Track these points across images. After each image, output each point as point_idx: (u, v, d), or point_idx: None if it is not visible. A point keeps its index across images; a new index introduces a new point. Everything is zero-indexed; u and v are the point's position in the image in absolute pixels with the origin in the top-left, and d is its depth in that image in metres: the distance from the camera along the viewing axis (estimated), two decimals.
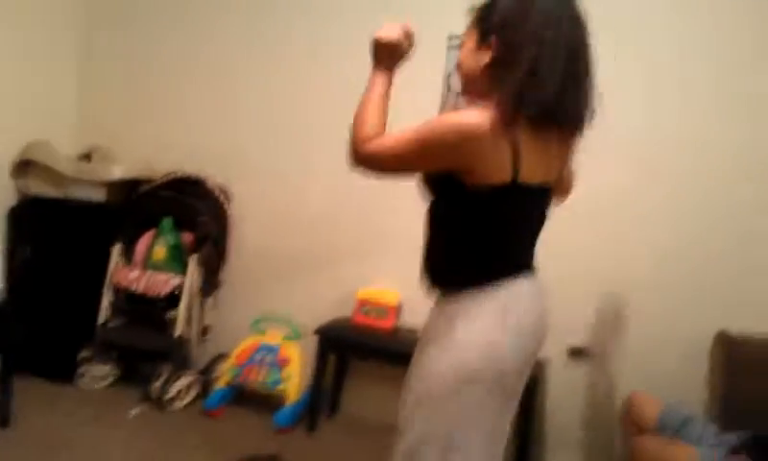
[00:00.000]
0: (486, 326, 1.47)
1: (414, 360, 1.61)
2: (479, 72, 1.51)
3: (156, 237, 3.41)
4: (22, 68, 3.51)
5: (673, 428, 2.32)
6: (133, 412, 3.09)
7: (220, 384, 3.29)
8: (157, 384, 3.18)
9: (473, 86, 1.56)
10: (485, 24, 1.50)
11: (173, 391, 3.18)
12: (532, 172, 1.43)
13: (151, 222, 3.45)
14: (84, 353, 3.37)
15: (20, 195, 3.50)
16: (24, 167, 3.45)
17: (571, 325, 3.03)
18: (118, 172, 3.44)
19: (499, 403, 1.52)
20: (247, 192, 3.54)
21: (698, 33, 2.87)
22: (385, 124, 1.53)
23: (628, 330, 2.96)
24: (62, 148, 3.57)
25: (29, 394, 3.03)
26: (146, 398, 3.20)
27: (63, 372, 3.32)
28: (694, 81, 2.87)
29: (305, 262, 3.47)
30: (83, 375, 3.35)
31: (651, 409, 2.39)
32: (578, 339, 3.03)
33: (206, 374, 3.39)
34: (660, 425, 2.34)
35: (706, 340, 2.79)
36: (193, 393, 3.29)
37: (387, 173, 1.53)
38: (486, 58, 1.49)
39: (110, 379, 3.40)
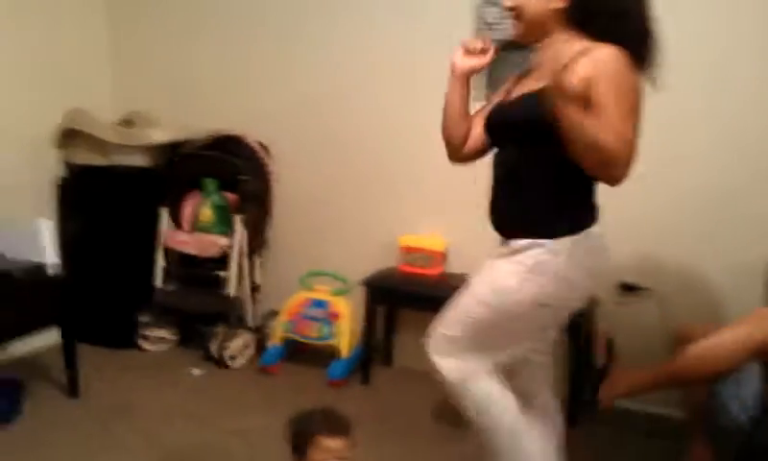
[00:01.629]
0: (569, 263, 1.63)
1: (481, 279, 1.75)
2: (547, 16, 1.58)
3: (201, 199, 3.45)
4: (53, 38, 3.51)
5: None
6: (194, 372, 3.20)
7: (274, 341, 3.35)
8: (215, 344, 3.27)
9: (536, 29, 1.63)
10: None
11: (230, 350, 3.27)
12: None
13: (195, 183, 3.48)
14: (142, 318, 3.47)
15: (66, 166, 3.56)
16: (68, 137, 3.49)
17: (622, 261, 2.97)
18: (160, 135, 3.45)
19: (553, 329, 1.81)
20: (286, 148, 3.52)
21: None
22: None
23: (679, 263, 2.89)
24: (102, 115, 3.59)
25: (93, 363, 3.14)
26: (205, 358, 3.30)
27: (124, 339, 3.44)
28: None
29: (348, 215, 3.46)
30: (143, 339, 3.46)
31: (704, 333, 2.33)
32: (630, 275, 2.98)
33: (260, 331, 3.46)
34: None
35: (759, 267, 2.70)
36: (249, 351, 3.37)
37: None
38: (557, 3, 1.57)
39: (170, 342, 3.51)
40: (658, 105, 2.78)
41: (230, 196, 3.45)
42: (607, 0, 1.55)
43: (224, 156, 3.44)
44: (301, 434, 1.78)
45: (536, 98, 1.56)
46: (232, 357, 3.28)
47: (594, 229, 1.69)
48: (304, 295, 3.33)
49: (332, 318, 3.22)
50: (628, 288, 2.99)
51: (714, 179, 2.82)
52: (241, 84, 3.60)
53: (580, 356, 2.87)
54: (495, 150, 1.83)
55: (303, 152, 3.51)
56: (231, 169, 3.40)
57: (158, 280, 3.46)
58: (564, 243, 1.62)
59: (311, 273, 3.41)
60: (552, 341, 1.90)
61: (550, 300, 1.65)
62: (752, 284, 2.65)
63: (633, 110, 1.51)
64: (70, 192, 3.53)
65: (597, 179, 1.58)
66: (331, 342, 3.21)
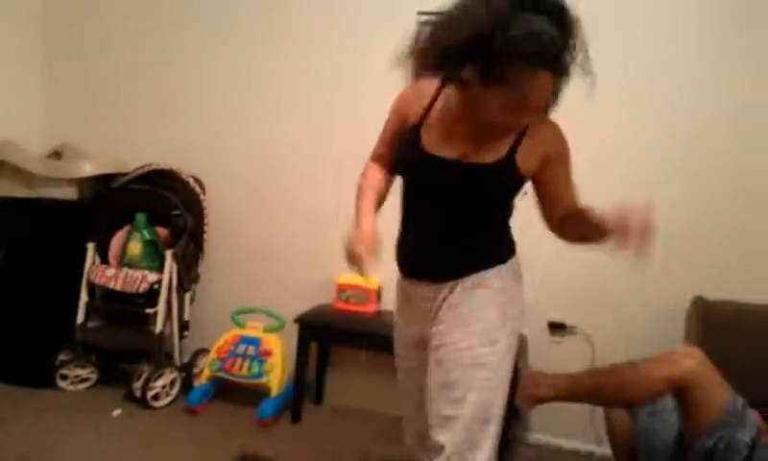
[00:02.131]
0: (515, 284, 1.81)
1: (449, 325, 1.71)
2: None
3: (130, 233, 3.36)
4: None
5: None
6: (116, 413, 3.06)
7: (202, 380, 3.26)
8: (139, 383, 3.14)
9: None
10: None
11: (155, 389, 3.15)
12: None
13: (125, 218, 3.40)
14: (62, 356, 3.31)
15: None
16: None
17: (550, 300, 3.05)
18: (89, 168, 3.37)
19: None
20: (221, 183, 3.49)
21: None
22: None
23: (605, 301, 2.99)
24: (30, 147, 3.49)
25: (8, 401, 2.99)
26: (128, 397, 3.17)
27: (42, 377, 3.26)
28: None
29: (283, 252, 3.44)
30: (62, 378, 3.30)
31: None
32: (557, 314, 3.05)
33: (188, 369, 3.35)
34: None
35: (683, 306, 2.81)
36: (175, 390, 3.25)
37: None
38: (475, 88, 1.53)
39: (91, 381, 3.35)
40: (584, 144, 2.96)
41: (162, 231, 3.38)
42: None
43: (156, 189, 3.39)
44: None
45: (504, 168, 1.62)
46: (156, 397, 3.15)
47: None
48: (235, 332, 3.26)
49: (263, 356, 3.16)
50: (556, 326, 3.05)
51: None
52: (176, 118, 3.57)
53: (511, 395, 2.88)
54: (414, 194, 1.77)
55: (239, 187, 3.49)
56: (164, 203, 3.35)
57: (80, 316, 3.32)
58: (514, 264, 1.79)
59: (243, 310, 3.35)
60: None
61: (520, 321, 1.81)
62: (675, 323, 2.78)
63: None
64: None
65: None
66: (262, 380, 3.14)
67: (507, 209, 1.76)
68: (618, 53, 2.84)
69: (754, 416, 1.94)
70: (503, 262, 1.75)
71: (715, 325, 2.70)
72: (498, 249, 1.77)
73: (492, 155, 1.61)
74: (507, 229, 1.79)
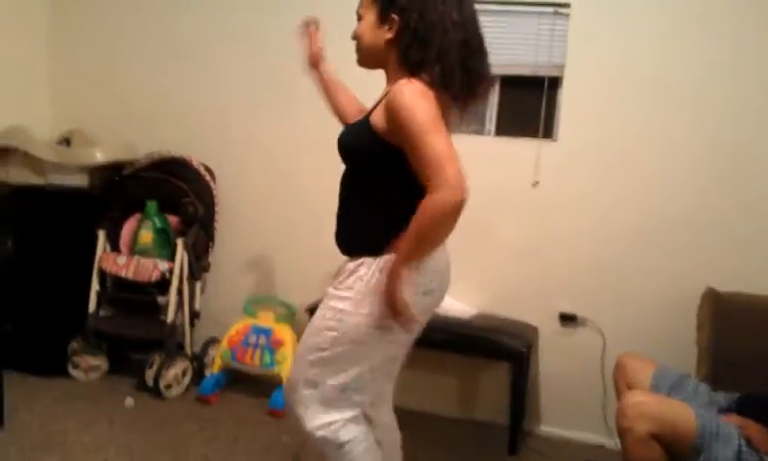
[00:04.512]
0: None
1: (319, 312, 1.73)
2: (381, 46, 1.66)
3: (141, 221, 3.36)
4: None
5: (667, 387, 2.32)
6: (128, 402, 3.07)
7: (213, 369, 3.27)
8: (151, 372, 3.16)
9: (372, 58, 1.72)
10: (386, 2, 1.63)
11: (167, 378, 3.16)
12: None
13: (136, 205, 3.39)
14: (74, 345, 3.33)
15: (0, 185, 3.42)
16: (3, 155, 3.36)
17: (561, 291, 3.05)
18: (100, 155, 3.36)
19: (399, 353, 1.77)
20: (232, 171, 3.48)
21: None
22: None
23: (617, 293, 2.98)
24: (40, 134, 3.48)
25: (20, 390, 2.99)
26: (140, 386, 3.18)
27: (54, 366, 3.28)
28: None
29: (293, 241, 3.43)
30: (74, 367, 3.32)
31: (643, 369, 2.39)
32: (569, 305, 3.05)
33: (199, 359, 3.36)
34: (652, 384, 2.34)
35: (694, 298, 2.81)
36: (187, 379, 3.27)
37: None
38: (389, 34, 1.64)
39: (102, 370, 3.37)
40: (591, 146, 2.97)
41: (173, 219, 3.37)
42: (417, 31, 1.58)
43: (167, 177, 3.38)
44: None
45: (361, 126, 1.66)
46: (168, 386, 3.16)
47: None
48: (247, 322, 3.26)
49: (275, 345, 3.16)
50: (567, 318, 3.05)
51: (651, 210, 2.93)
52: (187, 105, 3.55)
53: (523, 386, 2.90)
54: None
55: (249, 175, 3.48)
56: (175, 191, 3.34)
57: (92, 305, 3.33)
58: (388, 260, 1.59)
59: (254, 299, 3.35)
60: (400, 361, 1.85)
61: (385, 320, 1.61)
62: (687, 315, 2.77)
63: (437, 131, 1.49)
64: (3, 212, 3.37)
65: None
66: (273, 370, 3.14)
67: (384, 182, 1.64)
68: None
69: (729, 425, 1.97)
70: (377, 253, 1.63)
71: (727, 316, 2.69)
72: (374, 234, 1.64)
73: (361, 116, 1.72)
74: (392, 212, 1.62)
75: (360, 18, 1.73)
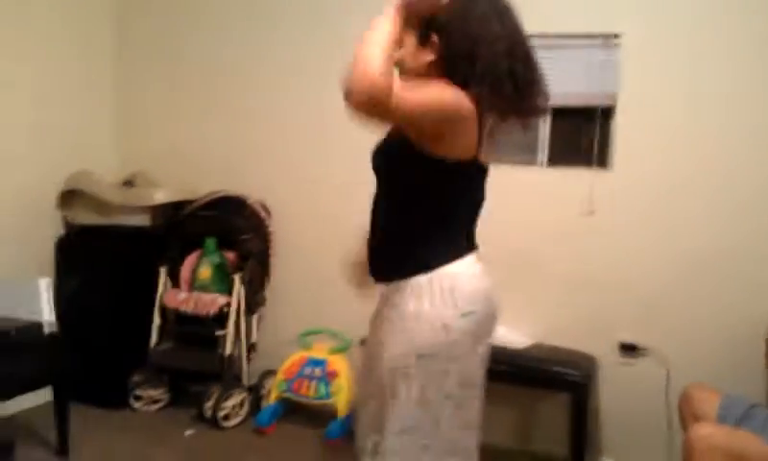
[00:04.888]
0: (436, 307, 1.51)
1: (367, 359, 1.68)
2: (424, 69, 1.56)
3: (200, 258, 3.46)
4: (61, 100, 3.60)
5: (735, 418, 2.24)
6: (188, 433, 3.13)
7: (270, 400, 3.31)
8: (209, 404, 3.21)
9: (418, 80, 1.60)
10: (424, 24, 1.55)
11: (225, 410, 3.21)
12: (486, 154, 1.55)
13: (195, 243, 3.50)
14: (136, 378, 3.42)
15: (67, 225, 3.59)
16: (69, 197, 3.54)
17: (621, 321, 2.99)
18: (161, 196, 3.50)
19: (458, 389, 1.55)
20: (287, 207, 3.56)
21: None
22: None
23: (680, 322, 2.91)
24: (105, 176, 3.64)
25: (84, 423, 3.07)
26: (199, 418, 3.23)
27: (117, 398, 3.37)
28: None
29: (346, 274, 3.46)
30: (136, 399, 3.40)
31: (710, 400, 2.32)
32: (629, 334, 2.98)
33: (256, 390, 3.41)
34: (720, 416, 2.27)
35: (761, 325, 2.71)
36: (244, 410, 3.31)
37: (388, 122, 1.53)
38: (429, 56, 1.55)
39: (164, 402, 3.45)
40: (647, 174, 2.93)
41: (230, 254, 3.47)
42: (462, 47, 1.50)
43: (224, 215, 3.49)
44: None
45: (387, 144, 1.64)
46: (226, 417, 3.22)
47: (460, 266, 1.56)
48: (302, 353, 3.30)
49: (330, 377, 3.19)
50: (628, 348, 2.99)
51: (712, 239, 2.87)
52: (244, 146, 3.68)
53: (583, 417, 2.83)
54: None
55: (303, 211, 3.56)
56: (232, 229, 3.44)
57: (154, 339, 3.43)
58: (418, 281, 1.52)
59: (309, 331, 3.39)
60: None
61: (427, 349, 1.51)
62: (753, 345, 2.68)
63: (435, 111, 1.44)
64: (70, 251, 3.53)
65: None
66: (329, 401, 3.16)
67: (422, 196, 1.56)
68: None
69: None
70: (420, 271, 1.54)
71: None
72: (420, 252, 1.56)
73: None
74: (431, 230, 1.56)
75: (399, 43, 1.63)
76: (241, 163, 3.67)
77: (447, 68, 1.53)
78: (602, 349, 3.00)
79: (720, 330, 2.85)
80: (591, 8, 3.03)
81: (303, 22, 3.52)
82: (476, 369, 1.62)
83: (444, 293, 1.51)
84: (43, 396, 3.05)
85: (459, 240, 1.60)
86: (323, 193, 3.51)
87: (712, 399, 2.33)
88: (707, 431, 2.08)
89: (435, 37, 1.55)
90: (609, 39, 3.02)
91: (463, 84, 1.49)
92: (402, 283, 1.56)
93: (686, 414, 2.39)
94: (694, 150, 2.90)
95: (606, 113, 3.09)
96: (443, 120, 1.46)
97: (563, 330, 3.06)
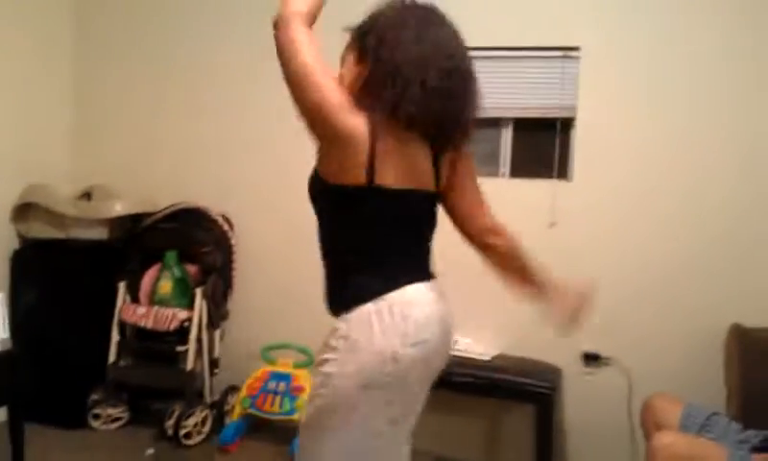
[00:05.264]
0: (384, 337, 1.46)
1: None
2: (357, 85, 1.57)
3: (160, 271, 3.40)
4: (15, 112, 3.50)
5: (696, 426, 2.28)
6: (149, 452, 3.06)
7: (233, 417, 3.25)
8: (171, 421, 3.15)
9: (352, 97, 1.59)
10: (362, 43, 1.57)
11: (187, 427, 3.14)
12: (393, 176, 1.49)
13: (155, 256, 3.43)
14: (94, 396, 3.33)
15: (22, 239, 3.49)
16: (24, 211, 3.45)
17: (584, 331, 3.01)
18: (119, 208, 3.43)
19: (399, 413, 1.55)
20: (250, 220, 3.52)
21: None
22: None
23: (641, 332, 2.95)
24: (61, 189, 3.56)
25: (40, 444, 2.97)
26: (160, 436, 3.17)
27: (74, 417, 3.28)
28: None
29: (312, 287, 3.42)
30: (95, 418, 3.31)
31: (671, 409, 2.35)
32: (592, 345, 3.01)
33: (219, 407, 3.35)
34: (682, 424, 2.30)
35: (720, 335, 2.77)
36: (207, 428, 3.25)
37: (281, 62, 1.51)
38: (363, 73, 1.56)
39: (123, 420, 3.37)
40: (607, 185, 2.97)
41: (191, 267, 3.41)
42: (378, 69, 1.51)
43: (185, 227, 3.43)
44: None
45: (313, 175, 1.64)
46: (188, 435, 3.15)
47: (402, 293, 1.51)
48: (266, 368, 3.25)
49: (295, 392, 3.15)
50: (591, 358, 3.02)
51: (672, 247, 2.92)
52: (204, 157, 3.63)
53: (548, 428, 2.85)
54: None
55: (267, 223, 3.52)
56: (194, 242, 3.38)
57: (112, 356, 3.35)
58: (359, 313, 1.49)
59: (273, 345, 3.35)
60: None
61: (367, 377, 1.47)
62: (714, 352, 2.73)
63: (305, 77, 1.47)
64: (25, 265, 3.44)
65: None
66: (294, 416, 3.12)
67: (338, 224, 1.59)
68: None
69: None
70: (346, 309, 1.51)
71: (754, 352, 2.65)
72: (338, 290, 1.58)
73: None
74: (361, 258, 1.55)
75: (342, 61, 1.67)
76: (202, 174, 3.61)
77: (371, 87, 1.52)
78: (566, 359, 3.03)
79: (681, 340, 2.89)
80: (551, 22, 3.07)
81: (261, 22, 3.49)
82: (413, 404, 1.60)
83: (396, 319, 1.47)
84: None
85: (395, 266, 1.55)
86: (285, 205, 3.47)
87: (674, 408, 2.36)
88: (669, 440, 2.11)
89: (369, 57, 1.54)
90: (568, 52, 3.06)
91: (374, 100, 1.49)
92: (349, 314, 1.50)
93: (648, 423, 2.42)
94: (654, 162, 2.95)
95: (565, 125, 3.13)
96: (306, 102, 1.49)
97: (527, 342, 3.07)
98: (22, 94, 3.53)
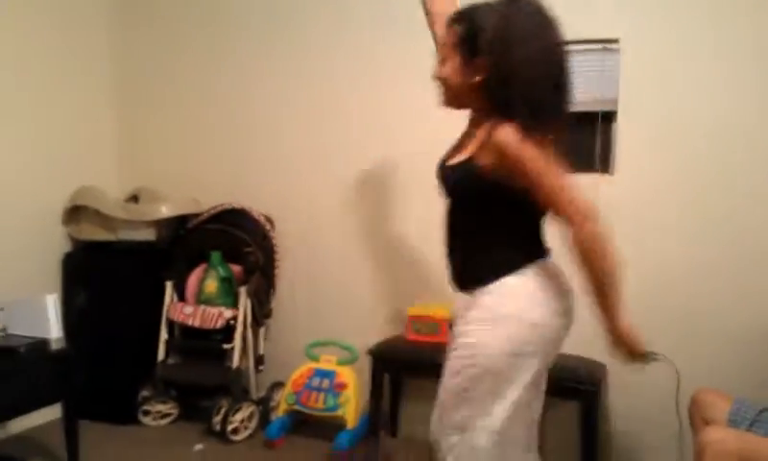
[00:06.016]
0: (529, 304, 1.67)
1: (453, 353, 1.75)
2: (467, 88, 1.67)
3: (206, 271, 3.47)
4: (63, 117, 3.61)
5: (746, 422, 2.23)
6: (197, 447, 3.13)
7: (279, 413, 3.30)
8: (218, 418, 3.21)
9: (458, 99, 1.75)
10: (471, 44, 1.63)
11: (234, 423, 3.21)
12: None
13: (200, 256, 3.51)
14: (144, 393, 3.42)
15: (72, 241, 3.61)
16: (74, 214, 3.56)
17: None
18: (165, 210, 3.51)
19: (537, 383, 1.76)
20: (291, 218, 3.57)
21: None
22: None
23: (688, 325, 2.90)
24: (109, 192, 3.66)
25: (93, 439, 3.07)
26: (208, 432, 3.24)
27: (125, 414, 3.38)
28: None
29: (354, 285, 3.48)
30: (145, 414, 3.41)
31: (720, 404, 2.31)
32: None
33: (265, 403, 3.41)
34: (730, 420, 2.25)
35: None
36: (253, 423, 3.31)
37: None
38: (476, 76, 1.64)
39: (172, 417, 3.46)
40: (652, 178, 2.92)
41: (235, 268, 3.47)
42: (500, 72, 1.60)
43: (228, 228, 3.49)
44: None
45: (467, 168, 1.68)
46: (235, 431, 3.22)
47: (539, 266, 1.73)
48: (310, 365, 3.30)
49: (338, 388, 3.18)
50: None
51: (718, 240, 2.86)
52: (248, 157, 3.69)
53: (593, 425, 2.82)
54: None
55: (308, 223, 3.56)
56: (237, 242, 3.44)
57: (161, 354, 3.43)
58: (503, 285, 1.67)
59: (316, 343, 3.39)
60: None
61: (516, 346, 1.66)
62: (761, 346, 2.67)
63: (548, 168, 1.60)
64: (76, 267, 3.56)
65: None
66: (337, 413, 3.16)
67: (492, 215, 1.71)
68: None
69: None
70: (493, 279, 1.69)
71: None
72: (491, 264, 1.71)
73: (463, 155, 1.72)
74: (501, 241, 1.73)
75: (443, 61, 1.74)
76: (244, 175, 3.68)
77: (489, 90, 1.63)
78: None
79: (729, 334, 2.83)
80: (589, 14, 3.03)
81: (296, 35, 3.54)
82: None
83: (541, 290, 1.67)
84: (52, 413, 3.07)
85: (531, 243, 1.76)
86: (324, 202, 3.52)
87: (722, 403, 2.31)
88: (719, 435, 2.07)
89: (481, 59, 1.62)
90: (607, 45, 3.02)
91: (504, 105, 1.59)
92: (491, 286, 1.67)
93: (697, 418, 2.37)
94: (697, 155, 2.87)
95: (607, 118, 3.09)
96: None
97: (571, 337, 3.03)
98: (68, 99, 3.65)
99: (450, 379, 1.73)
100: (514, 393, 1.68)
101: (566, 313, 1.75)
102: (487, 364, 1.65)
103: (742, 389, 2.42)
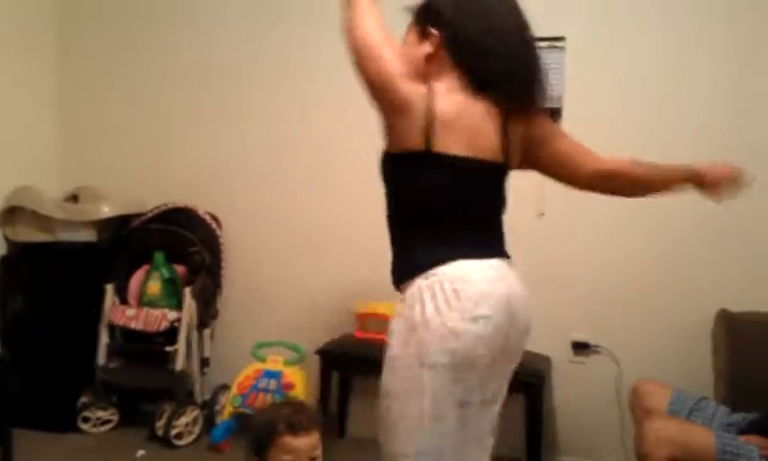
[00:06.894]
0: (437, 313, 1.41)
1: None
2: (421, 60, 1.57)
3: (149, 272, 3.38)
4: (1, 115, 3.47)
5: (685, 411, 2.30)
6: (139, 454, 3.04)
7: (224, 416, 3.23)
8: (161, 422, 3.13)
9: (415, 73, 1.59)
10: (426, 20, 1.59)
11: (177, 428, 3.13)
12: (454, 143, 1.46)
13: (143, 257, 3.42)
14: (83, 399, 3.31)
15: (8, 243, 3.47)
16: (11, 215, 3.43)
17: (572, 320, 3.03)
18: (107, 209, 3.41)
19: (468, 395, 1.47)
20: (237, 218, 3.51)
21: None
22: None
23: (629, 318, 2.96)
24: (48, 192, 3.54)
25: (29, 448, 2.93)
26: (151, 438, 3.15)
27: (65, 421, 3.26)
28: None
29: (301, 284, 3.44)
30: (84, 421, 3.29)
31: (660, 394, 2.37)
32: (581, 333, 3.02)
33: (210, 407, 3.34)
34: (670, 409, 2.32)
35: (708, 320, 2.78)
36: (198, 427, 3.23)
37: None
38: (427, 48, 1.57)
39: (113, 423, 3.34)
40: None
41: (180, 269, 3.39)
42: (469, 41, 1.54)
43: (173, 228, 3.42)
44: (263, 434, 1.59)
45: (382, 155, 1.59)
46: (179, 435, 3.14)
47: (455, 267, 1.45)
48: (256, 366, 3.24)
49: (286, 389, 3.13)
50: (580, 346, 3.02)
51: (659, 235, 2.93)
52: (192, 156, 3.61)
53: (538, 417, 2.85)
54: None
55: (254, 222, 3.51)
56: (181, 241, 3.37)
57: (101, 358, 3.33)
58: (413, 289, 1.46)
59: (262, 343, 3.34)
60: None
61: (431, 356, 1.41)
62: (702, 338, 2.74)
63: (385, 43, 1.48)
64: (12, 270, 3.43)
65: None
66: None
67: (398, 196, 1.56)
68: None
69: (749, 446, 1.98)
70: (404, 283, 1.51)
71: (741, 337, 2.67)
72: (400, 262, 1.56)
73: None
74: (410, 237, 1.54)
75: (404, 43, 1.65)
76: (189, 174, 3.60)
77: (439, 58, 1.55)
78: (555, 348, 3.03)
79: (669, 326, 2.91)
80: (536, 12, 3.07)
81: (241, 33, 3.50)
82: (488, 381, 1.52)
83: (447, 294, 1.41)
84: None
85: (453, 240, 1.48)
86: (272, 201, 3.48)
87: (661, 393, 2.38)
88: (658, 425, 2.13)
89: (433, 30, 1.57)
90: (553, 42, 3.06)
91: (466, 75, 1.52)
92: (405, 291, 1.49)
93: (637, 409, 2.43)
94: (639, 150, 2.91)
95: (553, 115, 3.13)
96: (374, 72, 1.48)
97: None
98: (6, 96, 3.51)
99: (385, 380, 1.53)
100: (423, 406, 1.44)
101: (480, 320, 1.42)
102: (401, 378, 1.46)
103: (680, 380, 2.48)
